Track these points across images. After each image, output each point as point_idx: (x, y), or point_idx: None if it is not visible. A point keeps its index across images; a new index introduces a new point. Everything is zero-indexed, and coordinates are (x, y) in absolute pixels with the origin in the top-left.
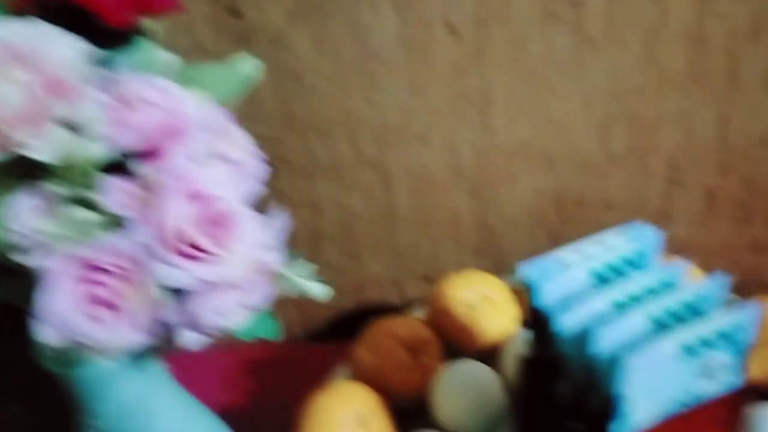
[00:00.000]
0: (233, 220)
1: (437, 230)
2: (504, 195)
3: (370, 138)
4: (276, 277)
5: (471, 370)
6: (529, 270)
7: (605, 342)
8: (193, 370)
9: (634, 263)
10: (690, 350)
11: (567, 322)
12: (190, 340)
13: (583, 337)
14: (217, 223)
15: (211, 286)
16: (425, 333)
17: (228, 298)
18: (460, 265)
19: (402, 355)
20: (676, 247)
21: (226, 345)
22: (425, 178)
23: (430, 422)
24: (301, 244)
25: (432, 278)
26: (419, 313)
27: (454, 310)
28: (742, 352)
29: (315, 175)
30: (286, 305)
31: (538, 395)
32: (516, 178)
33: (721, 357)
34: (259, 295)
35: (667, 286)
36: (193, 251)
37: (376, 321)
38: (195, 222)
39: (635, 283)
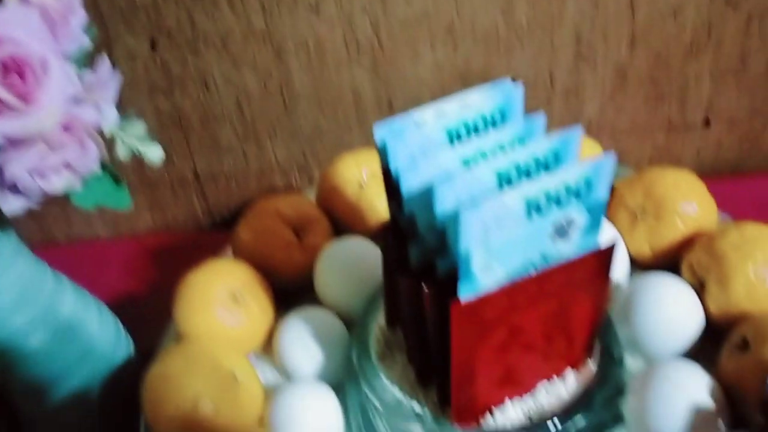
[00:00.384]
0: (39, 70)
1: (340, 110)
2: (406, 71)
3: (257, 6)
4: (101, 136)
5: (353, 246)
6: (381, 131)
7: (447, 199)
8: (93, 256)
9: (492, 121)
10: (536, 206)
11: (413, 182)
12: (10, 202)
13: (427, 197)
14: (18, 71)
15: (15, 141)
16: (312, 211)
17: (41, 156)
18: (367, 148)
19: (286, 234)
20: (587, 126)
21: (129, 233)
22: (321, 52)
23: (316, 301)
24: (194, 126)
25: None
26: (312, 194)
27: (343, 189)
28: (598, 211)
29: (202, 49)
30: (190, 193)
31: (395, 260)
32: (418, 53)
33: (574, 215)
34: (81, 154)
35: (521, 141)
36: None
37: (260, 200)
38: None
39: (487, 139)
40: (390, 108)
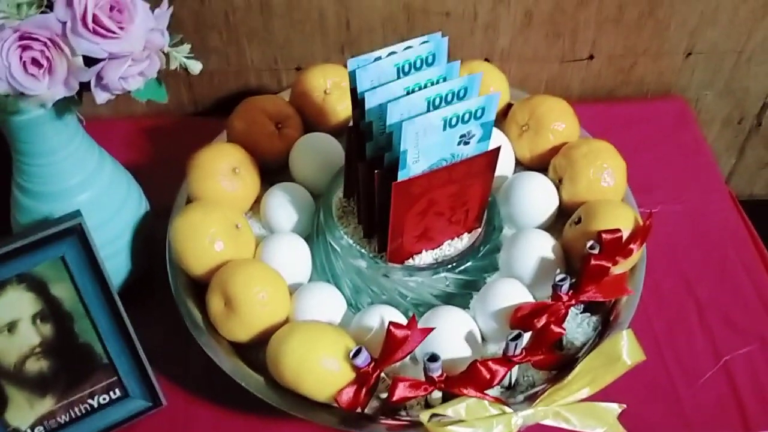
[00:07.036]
0: (131, 8)
1: (307, 26)
2: (363, 0)
3: None
4: (163, 53)
5: (319, 139)
6: (353, 62)
7: (394, 114)
8: (97, 133)
9: (427, 61)
10: (450, 123)
11: (372, 101)
12: (100, 96)
13: (381, 111)
14: (119, 10)
15: (115, 57)
16: (288, 110)
17: (128, 67)
18: (327, 59)
19: (269, 126)
20: (500, 54)
21: (126, 114)
22: None
23: (290, 178)
24: (188, 30)
25: (304, 69)
26: (287, 95)
27: (311, 94)
28: (488, 127)
29: None
30: (179, 85)
31: (356, 153)
32: None
33: (473, 129)
34: (151, 65)
35: (443, 78)
36: (101, 30)
37: (248, 97)
38: (102, 8)
39: (422, 75)
40: (348, 27)
